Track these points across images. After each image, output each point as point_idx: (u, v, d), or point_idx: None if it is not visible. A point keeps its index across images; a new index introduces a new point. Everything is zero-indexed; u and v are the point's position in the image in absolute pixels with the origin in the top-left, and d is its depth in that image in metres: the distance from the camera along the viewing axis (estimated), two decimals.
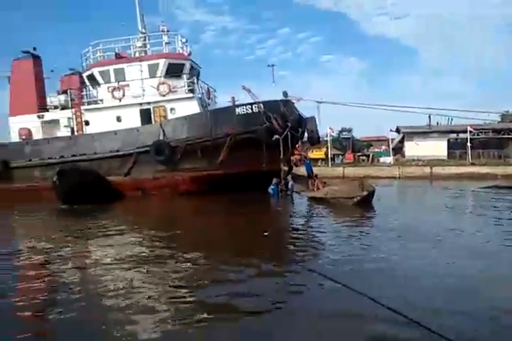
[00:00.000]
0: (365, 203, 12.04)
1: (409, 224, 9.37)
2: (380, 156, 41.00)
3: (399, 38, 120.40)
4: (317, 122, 18.23)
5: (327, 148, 35.66)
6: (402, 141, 44.55)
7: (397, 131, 45.23)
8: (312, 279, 5.31)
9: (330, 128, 34.73)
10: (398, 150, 43.51)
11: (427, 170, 28.05)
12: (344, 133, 46.41)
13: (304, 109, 18.64)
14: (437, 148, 38.37)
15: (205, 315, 4.32)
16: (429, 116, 38.46)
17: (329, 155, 35.12)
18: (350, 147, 44.69)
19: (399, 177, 27.77)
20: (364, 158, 42.75)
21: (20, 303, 4.94)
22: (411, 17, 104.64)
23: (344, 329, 3.92)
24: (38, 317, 4.69)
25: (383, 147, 46.18)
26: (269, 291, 5.00)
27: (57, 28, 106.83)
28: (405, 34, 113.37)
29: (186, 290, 5.18)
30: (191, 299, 4.91)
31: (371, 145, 50.63)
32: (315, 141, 19.10)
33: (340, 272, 5.53)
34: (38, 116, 20.90)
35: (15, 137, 20.96)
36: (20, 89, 21.17)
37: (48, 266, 6.85)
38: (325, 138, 33.54)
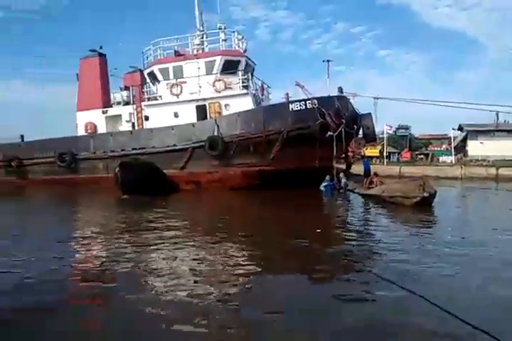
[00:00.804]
0: (425, 205, 11.43)
1: (473, 229, 8.80)
2: (440, 155, 39.03)
3: (465, 30, 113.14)
4: (373, 119, 17.68)
5: (382, 145, 34.47)
6: (464, 140, 42.12)
7: (460, 129, 42.78)
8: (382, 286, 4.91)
9: (387, 125, 33.43)
10: (460, 149, 41.20)
11: (493, 171, 26.15)
12: (401, 130, 44.75)
13: (361, 105, 18.16)
14: (505, 147, 35.64)
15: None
16: (497, 114, 35.82)
17: (385, 153, 33.89)
18: (408, 145, 42.97)
19: (460, 178, 26.17)
20: (422, 156, 40.99)
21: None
22: (481, 7, 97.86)
23: None
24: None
25: (444, 146, 44.05)
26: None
27: (120, 28, 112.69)
28: (473, 26, 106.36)
29: (236, 290, 5.19)
30: (239, 297, 4.94)
31: (430, 144, 48.38)
32: (371, 138, 18.56)
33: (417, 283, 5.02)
34: (103, 112, 22.21)
35: (81, 131, 22.47)
36: (87, 85, 22.61)
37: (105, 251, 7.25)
38: (380, 136, 32.40)
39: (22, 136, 24.71)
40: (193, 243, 7.58)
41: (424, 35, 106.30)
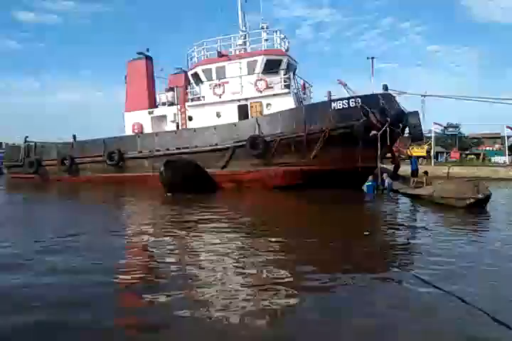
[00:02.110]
0: (479, 207, 10.85)
1: None
2: (493, 155, 36.91)
3: None
4: (421, 117, 17.01)
5: (430, 145, 33.08)
6: None
7: None
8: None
9: (435, 123, 31.96)
10: None
11: None
12: (450, 129, 42.77)
13: (408, 103, 17.55)
14: None
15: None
16: None
17: (432, 153, 32.47)
18: (457, 144, 41.03)
19: None
20: (472, 156, 39.00)
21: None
22: None
23: None
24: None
25: (496, 145, 41.65)
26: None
27: (165, 30, 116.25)
28: None
29: (279, 290, 5.17)
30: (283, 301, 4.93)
31: (481, 143, 45.91)
32: (417, 137, 17.84)
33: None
34: (149, 112, 23.04)
35: (129, 131, 23.42)
36: (134, 87, 23.56)
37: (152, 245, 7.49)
38: (428, 135, 31.11)
39: (74, 136, 26.13)
40: (239, 242, 7.65)
41: (476, 29, 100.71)
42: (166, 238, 7.94)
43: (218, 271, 5.74)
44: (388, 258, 6.60)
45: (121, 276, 5.60)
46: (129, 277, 5.57)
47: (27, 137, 27.58)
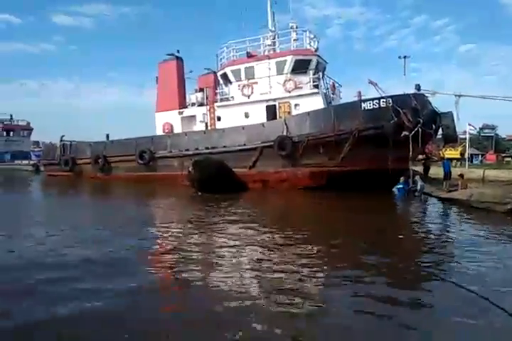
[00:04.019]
0: None
1: None
2: None
3: None
4: (455, 118, 16.41)
5: (464, 146, 31.86)
6: None
7: None
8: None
9: (469, 124, 30.74)
10: None
11: None
12: (486, 130, 41.12)
13: (441, 103, 16.96)
14: None
15: None
16: None
17: (467, 155, 31.29)
18: (493, 146, 39.41)
19: None
20: (509, 159, 37.41)
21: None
22: None
23: None
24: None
25: None
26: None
27: (193, 32, 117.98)
28: None
29: (313, 289, 5.15)
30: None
31: None
32: (451, 139, 17.23)
33: None
34: (179, 112, 23.47)
35: (159, 131, 23.93)
36: (165, 88, 24.05)
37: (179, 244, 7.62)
38: (462, 136, 29.96)
39: (107, 135, 27.00)
40: (264, 242, 7.66)
41: None
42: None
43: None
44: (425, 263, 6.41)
45: None
46: None
47: (63, 136, 28.70)
